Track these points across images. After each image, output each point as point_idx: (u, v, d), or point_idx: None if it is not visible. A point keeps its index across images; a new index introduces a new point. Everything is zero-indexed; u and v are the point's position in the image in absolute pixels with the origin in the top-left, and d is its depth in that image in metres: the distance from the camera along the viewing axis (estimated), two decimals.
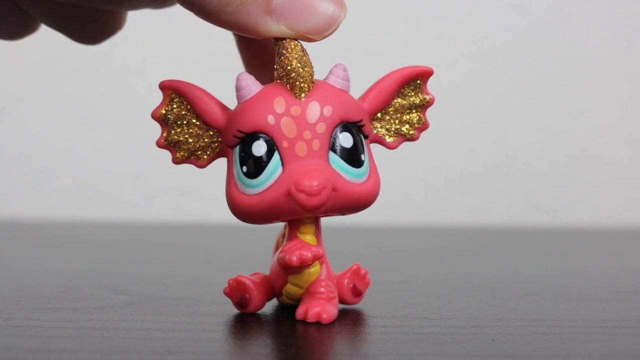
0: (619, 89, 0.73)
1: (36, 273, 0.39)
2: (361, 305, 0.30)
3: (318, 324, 0.26)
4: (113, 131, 0.72)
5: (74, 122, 0.73)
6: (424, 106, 0.28)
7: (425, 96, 0.28)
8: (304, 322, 0.27)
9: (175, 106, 0.27)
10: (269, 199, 0.25)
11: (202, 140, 0.27)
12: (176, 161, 0.28)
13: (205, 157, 0.28)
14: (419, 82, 0.28)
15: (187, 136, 0.27)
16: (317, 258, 0.26)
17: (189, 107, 0.27)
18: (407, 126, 0.28)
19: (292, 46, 0.26)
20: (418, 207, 0.72)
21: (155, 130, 0.28)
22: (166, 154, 0.28)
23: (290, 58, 0.26)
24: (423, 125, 0.29)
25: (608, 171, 0.73)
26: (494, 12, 0.73)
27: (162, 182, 0.72)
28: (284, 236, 0.31)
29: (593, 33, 0.73)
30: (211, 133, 0.27)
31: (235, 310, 0.28)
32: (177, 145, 0.28)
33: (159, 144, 0.28)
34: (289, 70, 0.26)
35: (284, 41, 0.26)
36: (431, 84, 0.28)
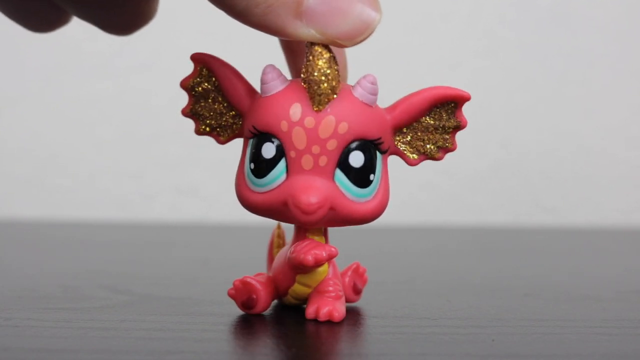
0: (626, 89, 0.73)
1: (36, 273, 0.39)
2: (361, 305, 0.30)
3: (319, 323, 0.26)
4: (113, 130, 0.72)
5: (74, 120, 0.73)
6: (454, 129, 0.27)
7: (459, 120, 0.27)
8: (303, 321, 0.27)
9: (203, 80, 0.27)
10: (269, 202, 0.26)
11: (224, 118, 0.28)
12: (198, 132, 0.28)
13: (225, 134, 0.28)
14: (452, 105, 0.27)
15: (210, 112, 0.28)
16: (332, 257, 0.26)
17: (216, 84, 0.27)
18: (432, 146, 0.27)
19: (319, 55, 0.25)
20: (422, 207, 0.72)
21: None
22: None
23: (313, 67, 0.25)
24: (449, 148, 0.27)
25: (615, 171, 0.73)
26: (500, 10, 0.73)
27: (162, 181, 0.72)
28: (279, 236, 0.31)
29: (600, 32, 0.73)
30: (234, 113, 0.27)
31: (235, 310, 0.28)
32: (200, 117, 0.28)
33: (184, 113, 0.28)
34: (310, 80, 0.25)
35: (313, 47, 0.25)
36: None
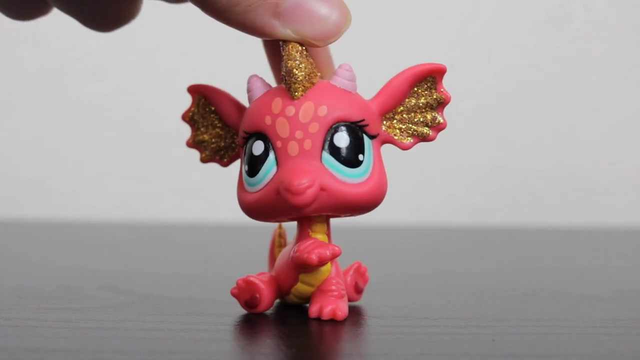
0: (624, 89, 0.73)
1: (36, 273, 0.39)
2: (361, 305, 0.30)
3: (319, 322, 0.26)
4: (113, 132, 0.73)
5: (75, 122, 0.73)
6: (439, 105, 0.27)
7: (440, 95, 0.27)
8: (303, 321, 0.27)
9: (201, 108, 0.29)
10: (263, 197, 0.26)
11: (224, 140, 0.29)
12: (203, 160, 0.30)
13: (227, 157, 0.29)
14: (431, 80, 0.27)
15: (211, 136, 0.29)
16: (336, 256, 0.26)
17: (212, 109, 0.29)
18: (422, 126, 0.28)
19: (290, 48, 0.26)
20: (422, 207, 0.72)
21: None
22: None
23: (286, 59, 0.26)
24: (439, 125, 0.27)
25: (613, 171, 0.73)
26: (500, 13, 0.73)
27: (163, 182, 0.72)
28: (280, 236, 0.31)
29: (598, 33, 0.73)
30: (232, 134, 0.29)
31: (235, 310, 0.28)
32: (202, 144, 0.29)
33: (188, 144, 0.30)
34: (285, 72, 0.26)
35: (288, 43, 0.26)
36: None
